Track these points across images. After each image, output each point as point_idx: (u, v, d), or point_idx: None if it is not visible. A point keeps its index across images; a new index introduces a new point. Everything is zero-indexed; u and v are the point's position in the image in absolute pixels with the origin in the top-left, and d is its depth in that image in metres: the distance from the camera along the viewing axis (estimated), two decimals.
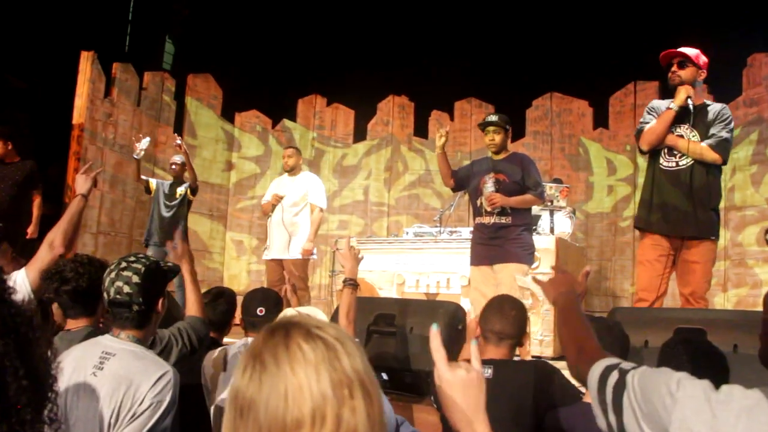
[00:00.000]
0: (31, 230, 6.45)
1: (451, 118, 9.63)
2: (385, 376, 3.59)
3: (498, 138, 4.87)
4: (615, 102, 8.97)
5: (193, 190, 7.08)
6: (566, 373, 2.83)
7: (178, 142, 6.73)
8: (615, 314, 3.31)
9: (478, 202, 4.89)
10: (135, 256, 2.32)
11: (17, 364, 1.00)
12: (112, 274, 2.23)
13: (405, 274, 6.45)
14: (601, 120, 9.08)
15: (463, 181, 5.09)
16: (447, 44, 10.17)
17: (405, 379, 3.56)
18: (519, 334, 2.84)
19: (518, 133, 9.22)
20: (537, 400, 2.65)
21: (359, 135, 9.83)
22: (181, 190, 7.06)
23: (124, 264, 2.25)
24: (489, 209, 4.76)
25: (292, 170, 6.55)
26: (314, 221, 6.46)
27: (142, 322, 2.25)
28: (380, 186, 9.63)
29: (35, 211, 6.52)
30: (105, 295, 2.24)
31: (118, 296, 2.20)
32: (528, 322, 5.00)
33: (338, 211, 9.54)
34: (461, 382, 1.26)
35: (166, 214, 7.05)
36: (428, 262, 6.38)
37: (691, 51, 4.11)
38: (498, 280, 4.73)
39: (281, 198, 6.41)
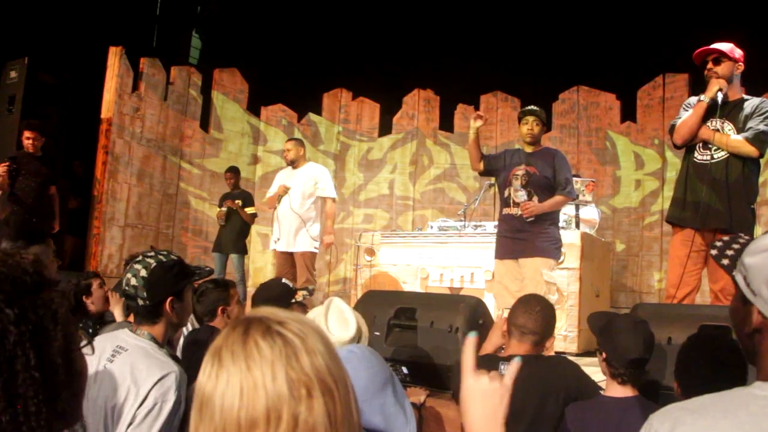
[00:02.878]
0: (56, 225, 6.56)
1: None
2: (405, 370, 3.59)
3: (537, 129, 4.78)
4: (643, 95, 8.85)
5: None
6: (587, 369, 2.82)
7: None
8: (637, 310, 3.25)
9: (506, 193, 4.80)
10: (156, 250, 2.33)
11: (30, 355, 1.02)
12: (130, 264, 2.26)
13: (429, 268, 6.44)
14: (628, 113, 8.97)
15: (493, 167, 4.95)
16: (473, 38, 10.11)
17: (425, 373, 3.56)
18: (542, 331, 2.81)
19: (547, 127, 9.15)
20: (557, 395, 2.64)
21: (384, 129, 9.83)
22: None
23: (140, 257, 2.27)
24: (526, 217, 4.62)
25: (294, 163, 6.47)
26: (330, 214, 6.46)
27: (150, 318, 2.24)
28: (405, 180, 9.61)
29: (56, 206, 6.62)
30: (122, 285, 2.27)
31: (126, 288, 2.22)
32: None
33: (363, 204, 9.55)
34: (482, 391, 1.23)
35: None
36: (452, 256, 6.36)
37: (724, 46, 3.99)
38: (523, 274, 4.67)
39: (288, 189, 6.33)
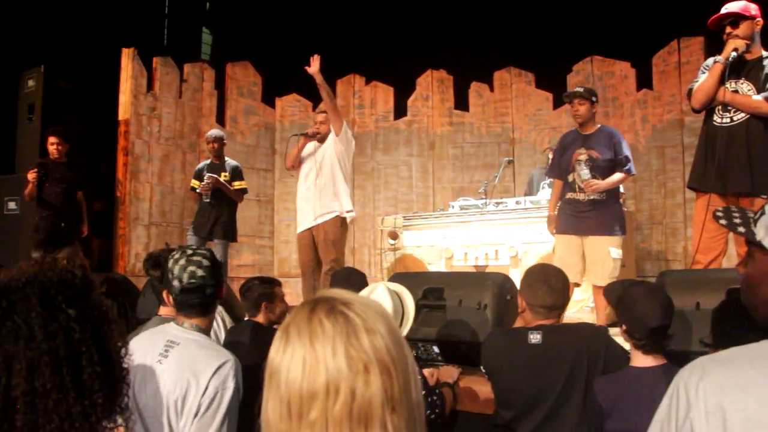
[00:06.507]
0: (85, 228, 6.67)
1: (491, 89, 9.54)
2: (436, 349, 3.63)
3: (582, 109, 4.83)
4: (658, 61, 8.73)
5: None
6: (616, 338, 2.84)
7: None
8: (664, 277, 3.26)
9: (570, 178, 4.86)
10: (190, 247, 2.43)
11: (93, 351, 1.09)
12: (182, 261, 2.31)
13: (453, 248, 6.46)
14: (645, 81, 8.85)
15: (562, 167, 4.97)
16: (482, 14, 10.05)
17: (456, 351, 3.60)
18: (565, 302, 2.85)
19: (561, 100, 9.09)
20: (589, 362, 2.65)
21: (400, 112, 9.82)
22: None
23: (190, 251, 2.35)
24: (590, 195, 4.74)
25: (324, 137, 5.91)
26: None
27: (208, 308, 2.34)
28: (424, 161, 9.62)
29: (84, 210, 6.72)
30: (176, 282, 2.28)
31: (192, 281, 2.26)
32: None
33: (384, 188, 9.58)
34: None
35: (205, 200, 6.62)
36: (475, 234, 6.38)
37: (736, 5, 3.90)
38: (590, 251, 4.78)
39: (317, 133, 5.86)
